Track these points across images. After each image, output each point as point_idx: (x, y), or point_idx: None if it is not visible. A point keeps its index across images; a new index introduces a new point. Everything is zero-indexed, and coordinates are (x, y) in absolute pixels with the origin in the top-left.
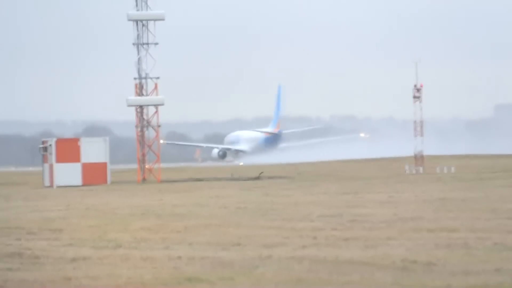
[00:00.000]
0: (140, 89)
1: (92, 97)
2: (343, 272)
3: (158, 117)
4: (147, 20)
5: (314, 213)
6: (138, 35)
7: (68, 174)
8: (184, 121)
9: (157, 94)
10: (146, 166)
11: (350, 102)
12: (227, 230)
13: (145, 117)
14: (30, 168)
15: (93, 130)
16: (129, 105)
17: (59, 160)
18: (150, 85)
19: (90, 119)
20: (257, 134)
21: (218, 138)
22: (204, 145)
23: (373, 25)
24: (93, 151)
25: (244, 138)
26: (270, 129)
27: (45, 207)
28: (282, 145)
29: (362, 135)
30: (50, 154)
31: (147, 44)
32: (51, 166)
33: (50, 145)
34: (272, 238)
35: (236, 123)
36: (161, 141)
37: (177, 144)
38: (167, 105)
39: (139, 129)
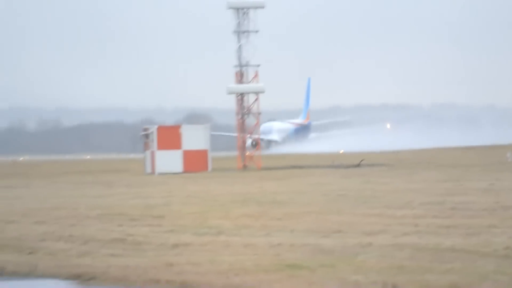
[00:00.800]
0: (240, 77)
1: (193, 84)
2: (445, 260)
3: (258, 104)
4: (247, 8)
5: (415, 200)
6: (238, 23)
7: (169, 161)
8: (284, 108)
9: (257, 82)
10: (247, 154)
11: (450, 90)
12: (327, 217)
13: (245, 104)
14: (132, 155)
15: (194, 118)
16: (229, 93)
17: (161, 147)
18: (250, 73)
19: (190, 107)
20: (288, 125)
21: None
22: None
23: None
24: (194, 138)
25: (276, 128)
26: (300, 120)
27: (147, 194)
28: (312, 135)
29: (388, 126)
30: (152, 141)
31: (248, 32)
32: (152, 153)
33: (152, 132)
34: (372, 226)
35: (335, 110)
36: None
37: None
38: (267, 92)
39: (239, 116)
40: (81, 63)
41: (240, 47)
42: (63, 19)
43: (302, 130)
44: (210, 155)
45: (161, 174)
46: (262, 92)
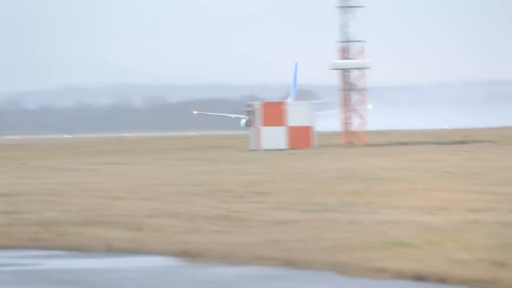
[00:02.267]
0: (344, 53)
1: (296, 60)
2: None
3: (364, 80)
4: None
5: None
6: None
7: (273, 137)
8: (390, 85)
9: (362, 58)
10: (352, 130)
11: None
12: (433, 194)
13: (349, 80)
14: (236, 132)
15: (297, 94)
16: (333, 69)
17: (265, 123)
18: (354, 49)
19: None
20: None
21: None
22: (233, 115)
23: None
24: (298, 114)
25: None
26: (289, 101)
27: (252, 171)
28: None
29: (370, 107)
30: (256, 117)
31: (353, 7)
32: (257, 130)
33: (256, 108)
34: (478, 203)
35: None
36: (194, 112)
37: (208, 115)
38: (372, 68)
39: (343, 92)
40: (186, 39)
41: (344, 23)
42: None
43: None
44: (315, 131)
45: (265, 150)
46: (367, 68)
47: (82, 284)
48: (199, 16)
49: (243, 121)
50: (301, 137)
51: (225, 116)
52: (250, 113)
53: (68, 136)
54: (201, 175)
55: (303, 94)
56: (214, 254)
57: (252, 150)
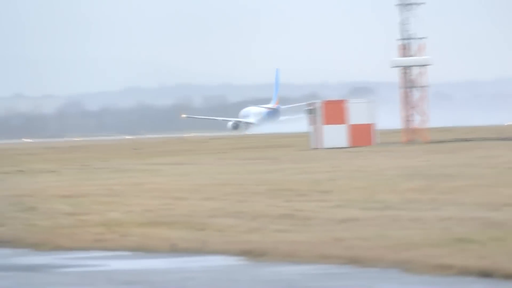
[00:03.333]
0: (404, 50)
1: (356, 58)
2: None
3: (426, 77)
4: None
5: None
6: None
7: (334, 135)
8: (450, 81)
9: (423, 55)
10: (413, 127)
11: None
12: (497, 190)
13: (410, 77)
14: (296, 130)
15: (357, 91)
16: (394, 66)
17: (326, 121)
18: (414, 46)
19: (354, 80)
20: (261, 109)
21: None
22: (220, 118)
23: None
24: (359, 112)
25: (252, 112)
26: (270, 105)
27: (313, 169)
28: (282, 118)
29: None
30: (317, 116)
31: (412, 4)
32: (318, 128)
33: (317, 107)
34: None
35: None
36: (183, 115)
37: (196, 118)
38: (433, 65)
39: (403, 90)
40: (246, 39)
41: (404, 20)
42: None
43: (272, 113)
44: (376, 129)
45: (326, 148)
46: (428, 64)
47: (146, 285)
48: (257, 15)
49: (229, 124)
50: (362, 135)
51: (213, 119)
52: (311, 111)
53: (129, 137)
54: (262, 174)
55: (363, 91)
56: (278, 253)
57: (313, 148)
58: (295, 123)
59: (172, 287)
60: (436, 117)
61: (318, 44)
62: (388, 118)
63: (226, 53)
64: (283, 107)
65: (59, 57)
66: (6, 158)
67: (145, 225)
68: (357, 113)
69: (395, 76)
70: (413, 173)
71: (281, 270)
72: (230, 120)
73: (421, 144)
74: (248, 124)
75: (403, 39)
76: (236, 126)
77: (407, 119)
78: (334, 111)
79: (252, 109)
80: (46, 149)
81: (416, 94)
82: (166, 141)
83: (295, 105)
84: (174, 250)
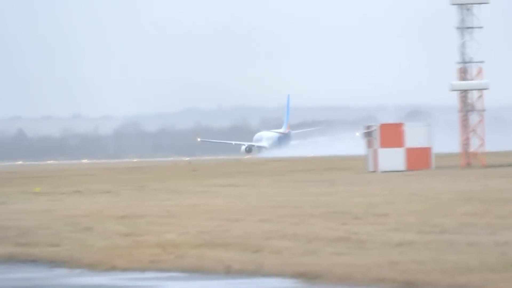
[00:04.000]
0: (463, 74)
1: (414, 81)
2: None
3: (483, 101)
4: (471, 4)
5: None
6: (462, 19)
7: (391, 159)
8: (506, 105)
9: (481, 78)
10: (471, 151)
11: None
12: None
13: (468, 101)
14: (353, 153)
15: (415, 115)
16: (453, 90)
17: (383, 145)
18: (473, 70)
19: (411, 103)
20: (274, 134)
21: None
22: (234, 142)
23: None
24: (417, 135)
25: (265, 137)
26: (282, 129)
27: (370, 192)
28: (293, 142)
29: (357, 134)
30: (374, 139)
31: (471, 28)
32: (375, 151)
33: (374, 130)
34: None
35: None
36: (198, 139)
37: (210, 142)
38: (491, 89)
39: (462, 113)
40: (303, 61)
41: (463, 44)
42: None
43: (284, 138)
44: (433, 152)
45: (383, 172)
46: (487, 88)
47: None
48: (314, 36)
49: (243, 148)
50: (419, 158)
51: (227, 143)
52: (367, 134)
53: (186, 158)
54: (318, 196)
55: (420, 115)
56: (333, 276)
57: (371, 171)
58: (306, 148)
59: None
60: (493, 141)
61: (375, 66)
62: (445, 142)
63: (284, 74)
64: (294, 132)
65: (117, 78)
66: (63, 178)
67: (201, 247)
68: (414, 136)
69: (452, 99)
70: (470, 197)
71: None
72: (244, 144)
73: (478, 168)
74: (260, 148)
75: (462, 62)
76: (249, 149)
77: (465, 143)
78: (391, 134)
79: (265, 134)
80: (103, 169)
81: (474, 118)
82: (223, 163)
83: (305, 130)
84: (229, 272)
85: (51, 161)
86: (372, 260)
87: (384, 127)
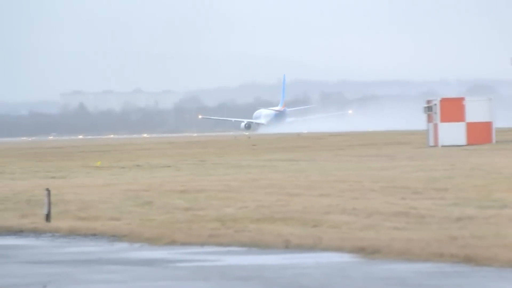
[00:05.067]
0: None
1: (476, 55)
2: None
3: None
4: None
5: None
6: None
7: (452, 133)
8: None
9: None
10: None
11: None
12: None
13: None
14: (413, 128)
15: (477, 89)
16: None
17: (444, 119)
18: None
19: (473, 78)
20: (271, 111)
21: None
22: (233, 119)
23: None
24: (478, 110)
25: (263, 114)
26: (278, 107)
27: (430, 167)
28: (288, 119)
29: (350, 112)
30: (435, 113)
31: None
32: (435, 126)
33: (435, 104)
34: None
35: None
36: (199, 116)
37: (211, 119)
38: None
39: None
40: (364, 34)
41: None
42: None
43: (280, 115)
44: (494, 127)
45: (444, 146)
46: None
47: (259, 280)
48: (375, 10)
49: (242, 124)
50: (480, 133)
51: (227, 119)
52: (428, 109)
53: (245, 133)
54: (378, 171)
55: (482, 89)
56: (392, 251)
57: (431, 146)
58: (302, 124)
59: (285, 283)
60: None
61: (436, 40)
62: (507, 116)
63: (343, 48)
64: (289, 109)
65: (178, 52)
66: (124, 152)
67: (260, 221)
68: (475, 111)
69: None
70: None
71: (394, 267)
72: (243, 121)
73: None
74: (258, 124)
75: None
76: (248, 126)
77: None
78: (452, 108)
79: (263, 111)
80: (163, 144)
81: None
82: (282, 137)
83: (300, 108)
84: (288, 246)
85: (112, 135)
86: (431, 235)
87: (445, 101)
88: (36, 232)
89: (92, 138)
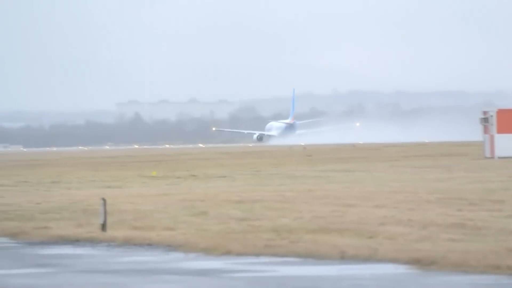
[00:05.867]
0: None
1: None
2: None
3: None
4: None
5: None
6: None
7: (509, 144)
8: None
9: None
10: None
11: None
12: None
13: None
14: (469, 139)
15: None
16: None
17: (500, 130)
18: None
19: None
20: (282, 124)
21: None
22: (246, 131)
23: None
24: None
25: (274, 126)
26: (288, 120)
27: (486, 178)
28: (298, 131)
29: (357, 124)
30: (491, 124)
31: None
32: (491, 137)
33: (491, 115)
34: None
35: None
36: (213, 128)
37: (224, 131)
38: None
39: None
40: (420, 45)
41: None
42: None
43: (290, 128)
44: None
45: (500, 158)
46: None
47: None
48: (429, 20)
49: (254, 136)
50: None
51: (239, 132)
52: (485, 120)
53: (301, 144)
54: (434, 182)
55: None
56: (448, 262)
57: (487, 157)
58: (312, 136)
59: None
60: None
61: (492, 51)
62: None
63: (400, 59)
64: (298, 122)
65: (233, 63)
66: (180, 162)
67: (315, 232)
68: None
69: None
70: None
71: (450, 279)
72: (255, 133)
73: None
74: (270, 136)
75: None
76: (260, 138)
77: None
78: (509, 119)
79: (274, 124)
80: (218, 154)
81: None
82: (337, 148)
83: (308, 121)
84: (344, 257)
85: (167, 145)
86: (488, 246)
87: (502, 112)
88: (92, 242)
89: (147, 148)
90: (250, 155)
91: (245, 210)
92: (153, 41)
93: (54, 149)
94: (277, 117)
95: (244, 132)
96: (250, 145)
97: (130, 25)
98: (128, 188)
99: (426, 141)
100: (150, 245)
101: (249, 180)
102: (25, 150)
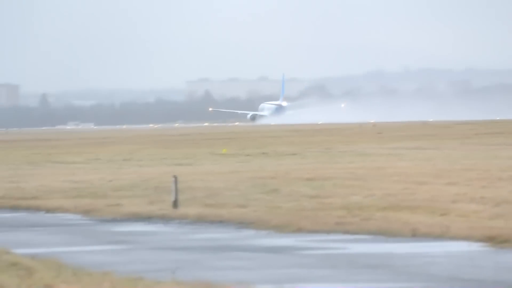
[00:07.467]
0: None
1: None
2: None
3: None
4: None
5: None
6: None
7: None
8: None
9: None
10: None
11: None
12: None
13: None
14: None
15: None
16: None
17: None
18: None
19: None
20: (272, 106)
21: None
22: (239, 111)
23: None
24: None
25: (266, 107)
26: (279, 102)
27: None
28: (288, 112)
29: (342, 105)
30: None
31: None
32: None
33: None
34: None
35: None
36: (210, 109)
37: (220, 111)
38: None
39: None
40: (491, 23)
41: None
42: None
43: (280, 109)
44: None
45: None
46: None
47: (389, 269)
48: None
49: (248, 116)
50: None
51: (235, 112)
52: None
53: (371, 121)
54: (506, 160)
55: None
56: None
57: None
58: (300, 116)
59: (414, 272)
60: None
61: None
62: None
63: (471, 37)
64: (289, 103)
65: (302, 41)
66: (250, 140)
67: (387, 209)
68: None
69: None
70: None
71: None
72: (248, 113)
73: None
74: (262, 116)
75: None
76: (253, 117)
77: None
78: None
79: (266, 105)
80: (290, 131)
81: None
82: (408, 125)
83: (297, 102)
84: (415, 234)
85: (237, 123)
86: None
87: None
88: (164, 219)
89: (218, 126)
90: (320, 132)
91: (316, 187)
92: (223, 21)
93: (125, 126)
94: (347, 95)
95: (237, 112)
96: (319, 122)
97: (200, 6)
98: (199, 166)
99: (498, 118)
100: (221, 222)
101: (320, 157)
102: (96, 127)
